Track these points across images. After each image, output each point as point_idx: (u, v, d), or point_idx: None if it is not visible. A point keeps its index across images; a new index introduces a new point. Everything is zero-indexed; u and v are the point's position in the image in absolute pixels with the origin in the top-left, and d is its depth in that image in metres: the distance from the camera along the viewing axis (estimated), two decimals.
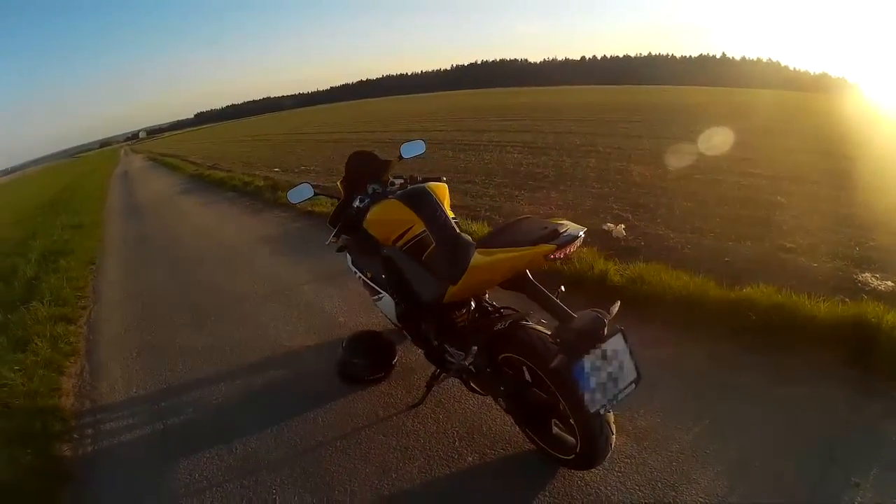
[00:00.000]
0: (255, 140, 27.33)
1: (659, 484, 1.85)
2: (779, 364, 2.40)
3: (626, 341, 1.57)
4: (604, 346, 1.52)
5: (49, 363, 3.98)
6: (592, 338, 1.50)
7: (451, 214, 2.16)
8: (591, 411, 1.51)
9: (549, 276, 3.89)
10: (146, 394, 3.27)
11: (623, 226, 4.21)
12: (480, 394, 2.14)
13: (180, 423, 2.89)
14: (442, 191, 2.26)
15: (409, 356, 2.93)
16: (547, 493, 1.88)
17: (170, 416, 2.96)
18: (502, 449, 2.17)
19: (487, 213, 5.42)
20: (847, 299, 2.69)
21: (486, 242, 1.75)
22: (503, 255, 1.64)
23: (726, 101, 22.13)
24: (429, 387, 2.33)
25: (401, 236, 2.16)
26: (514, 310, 1.97)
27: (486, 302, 2.08)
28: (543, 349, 1.63)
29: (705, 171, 6.68)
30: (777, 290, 2.76)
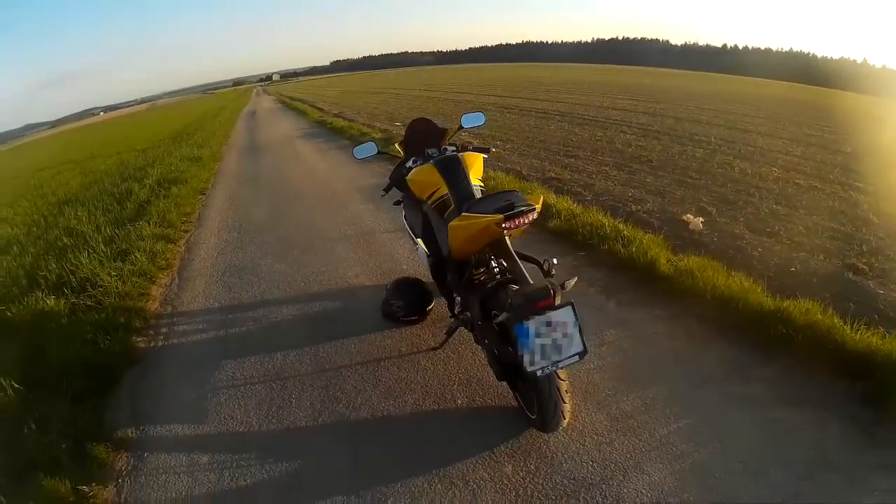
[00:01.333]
0: (385, 93, 30.48)
1: (611, 466, 2.12)
2: (780, 381, 2.51)
3: (575, 314, 1.89)
4: (552, 314, 1.86)
5: (143, 273, 5.07)
6: (536, 303, 1.87)
7: (475, 182, 2.63)
8: (528, 370, 1.86)
9: (575, 247, 4.21)
10: (219, 306, 4.18)
11: (702, 219, 4.54)
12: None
13: (239, 333, 3.73)
14: (476, 161, 2.75)
15: (444, 306, 3.29)
16: (508, 446, 2.27)
17: (232, 326, 3.81)
18: (490, 400, 2.59)
19: (578, 189, 5.95)
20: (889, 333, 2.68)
21: (468, 208, 2.22)
22: (467, 221, 2.14)
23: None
24: (448, 334, 2.77)
25: (431, 195, 2.69)
26: (538, 264, 2.44)
27: (501, 262, 2.45)
28: (507, 308, 1.99)
29: (809, 176, 6.97)
30: (822, 308, 2.84)
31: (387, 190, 3.30)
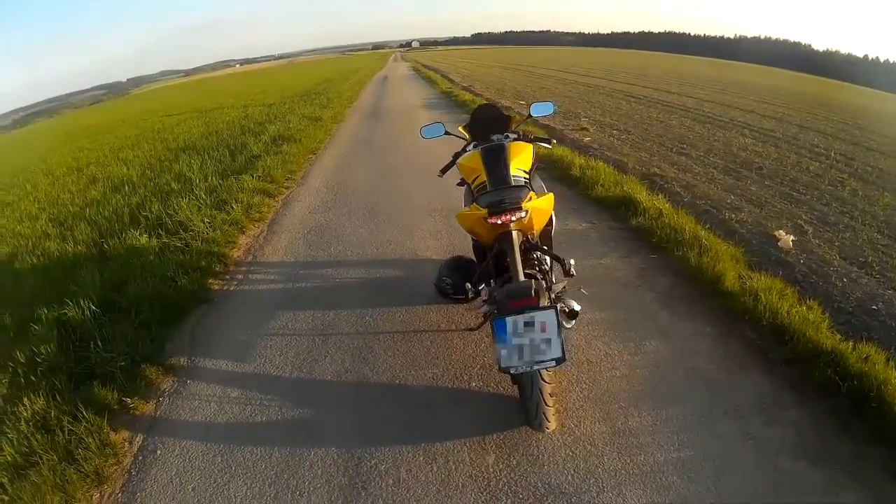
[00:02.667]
0: (519, 70, 33.37)
1: (591, 480, 2.29)
2: (805, 430, 2.53)
3: (557, 319, 2.07)
4: (533, 314, 2.07)
5: (235, 223, 5.94)
6: (514, 300, 2.10)
7: (517, 171, 2.87)
8: (501, 367, 2.08)
9: (649, 248, 4.35)
10: (294, 261, 4.86)
11: (794, 237, 4.68)
12: None
13: (303, 287, 4.36)
14: (521, 150, 3.02)
15: None
16: (500, 437, 2.55)
17: (300, 280, 4.44)
18: (503, 389, 2.86)
19: (677, 189, 6.24)
20: None
21: (477, 199, 2.59)
22: (467, 212, 2.52)
23: None
24: (484, 317, 2.94)
25: (474, 180, 3.00)
26: (559, 261, 2.74)
27: (537, 251, 2.76)
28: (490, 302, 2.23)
29: None
30: (887, 359, 2.83)
31: (443, 171, 3.62)
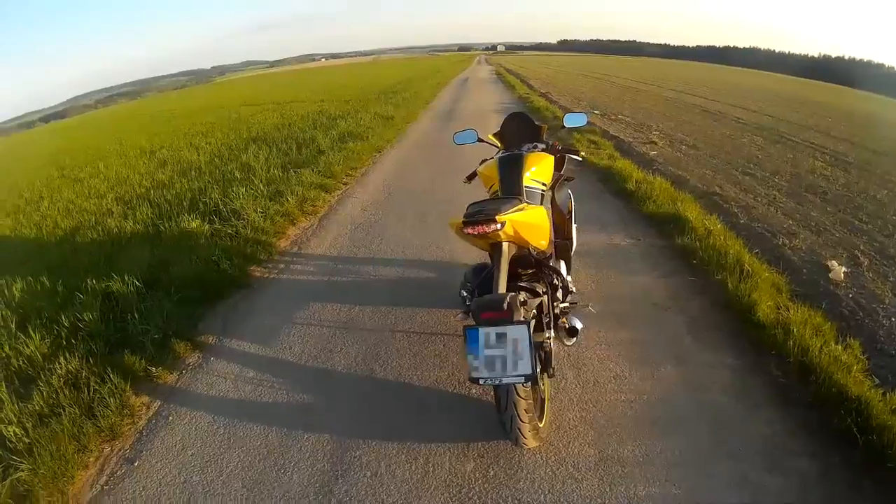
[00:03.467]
0: (599, 79, 34.21)
1: None
2: (810, 484, 2.44)
3: (529, 335, 2.12)
4: (506, 329, 2.13)
5: (287, 214, 6.39)
6: (484, 312, 2.18)
7: (531, 182, 3.03)
8: (470, 377, 2.16)
9: (689, 269, 4.31)
10: (336, 255, 5.20)
11: (846, 269, 4.58)
12: None
13: (339, 280, 4.70)
14: (539, 161, 3.17)
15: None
16: (485, 447, 2.67)
17: (337, 275, 4.77)
18: None
19: (735, 210, 6.15)
20: None
21: (469, 208, 2.64)
22: (452, 221, 2.56)
23: None
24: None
25: (490, 189, 3.19)
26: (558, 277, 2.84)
27: (542, 266, 2.85)
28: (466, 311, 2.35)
29: None
30: None
31: (469, 178, 3.81)
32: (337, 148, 10.03)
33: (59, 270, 5.18)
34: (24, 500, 2.52)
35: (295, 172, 8.18)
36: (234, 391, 3.25)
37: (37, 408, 3.05)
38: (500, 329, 2.14)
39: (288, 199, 6.82)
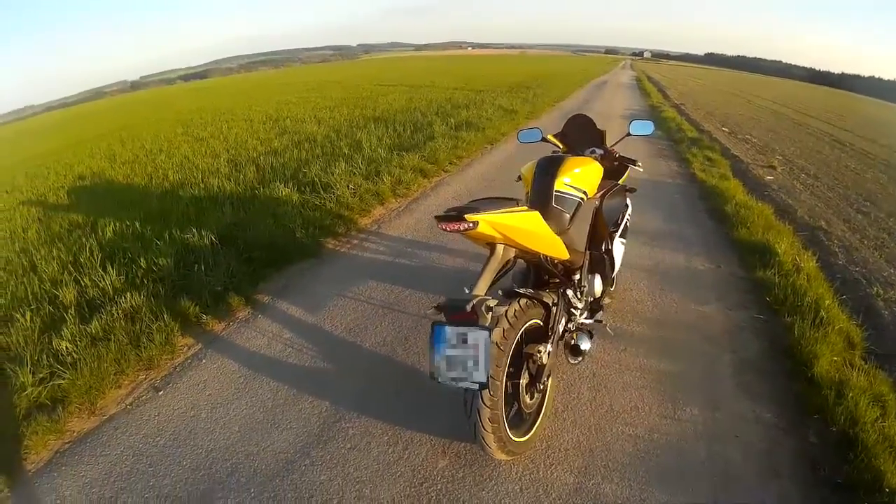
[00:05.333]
0: (738, 96, 34.84)
1: None
2: None
3: (487, 342, 2.18)
4: (467, 330, 2.20)
5: (378, 194, 6.80)
6: (448, 311, 2.26)
7: (564, 186, 3.02)
8: (429, 372, 2.25)
9: (759, 306, 4.12)
10: (410, 239, 5.57)
11: None
12: None
13: (402, 263, 5.01)
14: (580, 165, 3.18)
15: None
16: (466, 447, 2.72)
17: (404, 257, 5.12)
18: None
19: (835, 249, 5.86)
20: None
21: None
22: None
23: None
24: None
25: (526, 190, 3.27)
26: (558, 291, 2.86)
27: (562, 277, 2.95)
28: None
29: None
30: None
31: (520, 178, 3.90)
32: (449, 136, 10.38)
33: (154, 218, 5.89)
34: (58, 403, 3.03)
35: (399, 154, 8.60)
36: (267, 348, 3.61)
37: (92, 331, 3.58)
38: (463, 330, 2.21)
39: (383, 180, 7.23)
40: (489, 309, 2.30)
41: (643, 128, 3.80)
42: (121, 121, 25.72)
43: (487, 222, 2.29)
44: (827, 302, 3.99)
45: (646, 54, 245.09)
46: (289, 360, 3.48)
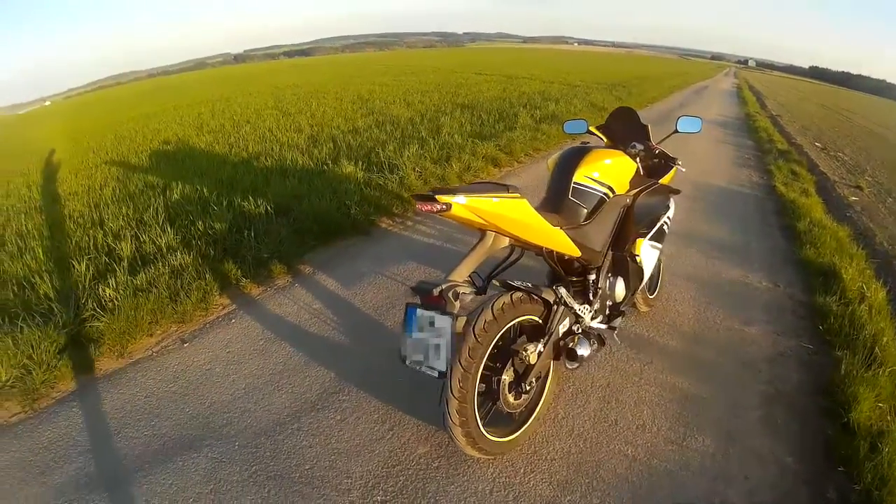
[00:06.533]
0: (837, 113, 34.36)
1: None
2: None
3: (451, 330, 2.20)
4: (435, 315, 2.24)
5: (443, 178, 6.94)
6: (418, 294, 2.30)
7: (583, 181, 2.93)
8: (400, 355, 2.31)
9: (818, 344, 3.73)
10: (460, 225, 5.47)
11: None
12: None
13: (448, 248, 5.08)
14: (608, 160, 3.06)
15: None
16: (448, 438, 2.65)
17: (453, 242, 5.22)
18: None
19: None
20: None
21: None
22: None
23: None
24: None
25: None
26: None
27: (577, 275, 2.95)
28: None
29: None
30: None
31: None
32: (531, 127, 10.39)
33: (222, 185, 6.27)
34: (91, 342, 3.37)
35: (474, 142, 8.70)
36: (294, 315, 3.80)
37: (137, 283, 3.89)
38: (430, 315, 2.25)
39: (452, 166, 7.36)
40: (457, 295, 2.27)
41: (691, 124, 3.63)
42: (217, 91, 26.97)
43: (461, 205, 2.16)
44: (886, 339, 3.63)
45: (750, 63, 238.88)
46: (310, 330, 3.65)
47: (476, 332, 2.24)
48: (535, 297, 2.56)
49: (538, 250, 2.64)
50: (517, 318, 2.47)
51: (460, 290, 2.30)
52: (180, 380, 3.12)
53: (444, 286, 2.26)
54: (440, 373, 2.23)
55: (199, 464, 2.52)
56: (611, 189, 2.98)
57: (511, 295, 2.43)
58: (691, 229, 5.64)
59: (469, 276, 2.60)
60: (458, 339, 2.24)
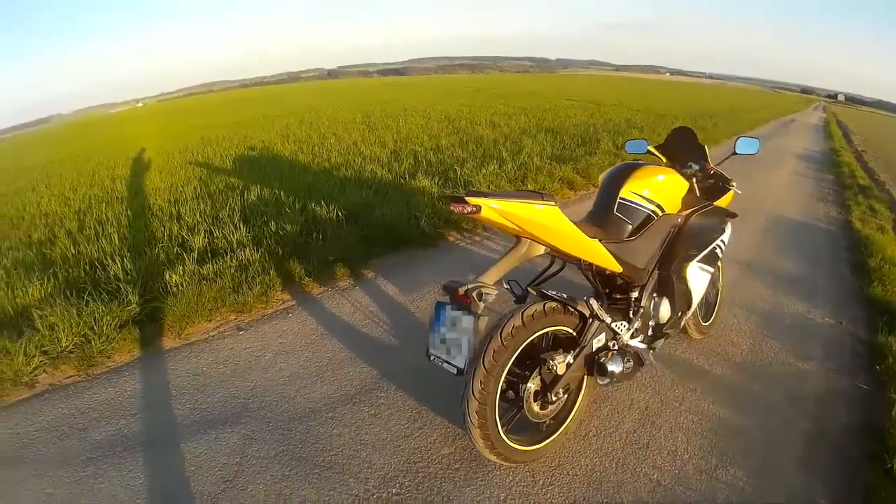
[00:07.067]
0: None
1: None
2: None
3: (473, 328, 2.22)
4: (459, 313, 2.27)
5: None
6: (450, 293, 2.31)
7: (629, 196, 2.86)
8: (427, 351, 2.37)
9: (853, 379, 3.49)
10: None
11: None
12: None
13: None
14: (657, 177, 2.99)
15: None
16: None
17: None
18: None
19: None
20: None
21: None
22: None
23: None
24: None
25: None
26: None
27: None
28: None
29: None
30: None
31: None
32: (612, 153, 10.30)
33: (300, 191, 6.52)
34: (152, 320, 3.64)
35: (551, 164, 8.71)
36: (350, 315, 3.91)
37: (203, 272, 4.13)
38: (456, 314, 2.28)
39: (526, 185, 7.39)
40: (481, 296, 2.27)
41: (749, 146, 3.55)
42: (307, 103, 28.01)
43: (491, 208, 2.15)
44: None
45: (840, 97, 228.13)
46: (363, 330, 3.73)
47: (503, 336, 2.24)
48: (571, 309, 2.52)
49: (576, 262, 2.57)
50: (548, 327, 2.45)
51: (485, 290, 2.29)
52: (230, 363, 3.27)
53: (469, 286, 2.27)
54: (458, 370, 2.25)
55: (231, 438, 2.64)
56: (659, 207, 2.90)
57: (545, 304, 2.41)
58: (759, 259, 5.46)
59: (507, 282, 2.66)
60: (483, 341, 2.24)
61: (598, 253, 2.52)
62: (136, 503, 2.30)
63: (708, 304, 3.78)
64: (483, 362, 2.22)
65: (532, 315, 2.33)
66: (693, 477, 2.56)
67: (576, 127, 14.10)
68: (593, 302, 2.58)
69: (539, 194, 2.32)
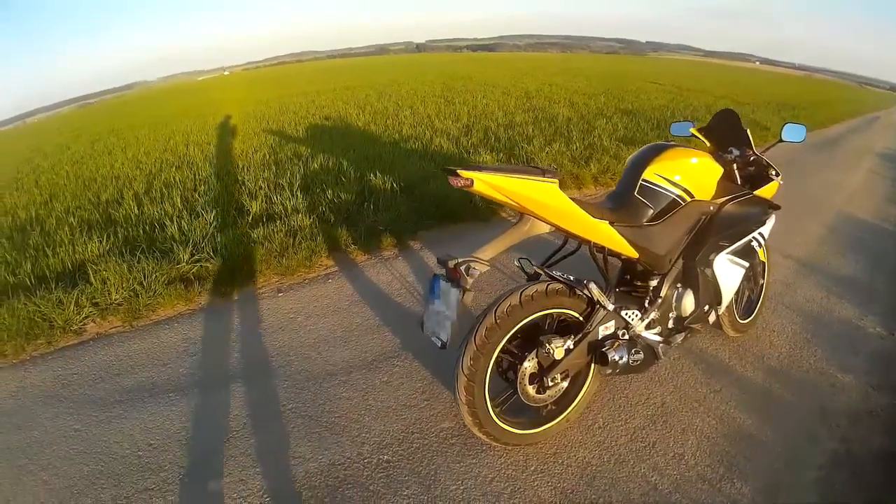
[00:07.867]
0: None
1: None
2: None
3: (456, 302, 2.15)
4: (449, 287, 2.19)
5: (577, 177, 6.87)
6: (441, 265, 2.25)
7: (653, 178, 2.68)
8: (420, 321, 2.31)
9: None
10: None
11: None
12: None
13: (556, 243, 4.85)
14: (688, 160, 2.78)
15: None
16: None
17: (560, 237, 4.98)
18: None
19: None
20: None
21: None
22: None
23: None
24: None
25: None
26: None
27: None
28: None
29: None
30: None
31: None
32: (684, 138, 10.04)
33: (363, 161, 6.66)
34: (199, 278, 3.84)
35: (619, 146, 8.52)
36: (387, 284, 3.97)
37: (254, 236, 4.30)
38: (447, 287, 2.20)
39: (590, 166, 7.25)
40: (469, 270, 2.20)
41: (795, 133, 3.25)
42: (391, 75, 28.09)
43: (484, 182, 2.05)
44: None
45: None
46: (395, 299, 3.78)
47: (497, 314, 2.17)
48: (578, 293, 2.40)
49: (585, 242, 2.46)
50: (549, 309, 2.35)
51: (476, 265, 2.23)
52: (262, 322, 3.40)
53: (460, 259, 2.21)
54: (442, 343, 2.20)
55: (245, 392, 2.78)
56: (687, 192, 2.70)
57: (548, 285, 2.32)
58: (817, 258, 5.14)
59: (518, 260, 2.55)
60: (479, 317, 2.21)
61: (606, 235, 2.38)
62: (149, 442, 2.46)
63: (749, 301, 3.57)
64: (474, 339, 2.17)
65: (531, 295, 2.25)
66: (693, 485, 2.39)
67: (654, 110, 13.61)
68: (593, 286, 2.39)
69: (541, 170, 2.18)
